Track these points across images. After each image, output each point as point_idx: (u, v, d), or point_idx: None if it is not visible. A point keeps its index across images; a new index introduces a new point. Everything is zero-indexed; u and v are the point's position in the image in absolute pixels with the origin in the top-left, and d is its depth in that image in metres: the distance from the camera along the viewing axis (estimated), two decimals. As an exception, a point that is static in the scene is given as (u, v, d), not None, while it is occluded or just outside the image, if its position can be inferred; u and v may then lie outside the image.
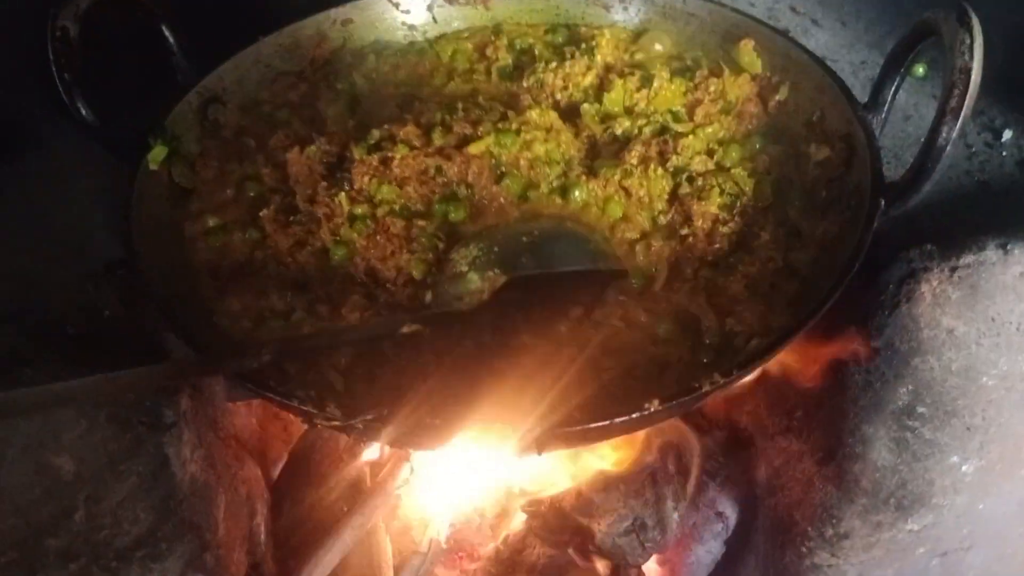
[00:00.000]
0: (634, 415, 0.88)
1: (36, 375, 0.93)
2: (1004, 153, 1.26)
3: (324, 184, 1.10)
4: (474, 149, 1.10)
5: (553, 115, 1.17)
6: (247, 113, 1.26)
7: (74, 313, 1.04)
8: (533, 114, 1.15)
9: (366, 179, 1.09)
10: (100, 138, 1.13)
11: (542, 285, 1.01)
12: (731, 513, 1.43)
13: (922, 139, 0.96)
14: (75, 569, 0.97)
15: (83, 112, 1.10)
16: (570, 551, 1.41)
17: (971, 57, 0.91)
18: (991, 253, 1.06)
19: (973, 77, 0.91)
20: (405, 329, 0.93)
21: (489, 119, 1.15)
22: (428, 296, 1.03)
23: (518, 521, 1.46)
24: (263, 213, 1.10)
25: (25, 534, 0.93)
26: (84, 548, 0.96)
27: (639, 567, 1.42)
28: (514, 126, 1.13)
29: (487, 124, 1.13)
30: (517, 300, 0.99)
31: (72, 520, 0.94)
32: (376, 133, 1.13)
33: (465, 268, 1.01)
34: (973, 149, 1.27)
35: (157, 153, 1.14)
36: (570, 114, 1.21)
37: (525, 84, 1.25)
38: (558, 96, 1.24)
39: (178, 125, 1.19)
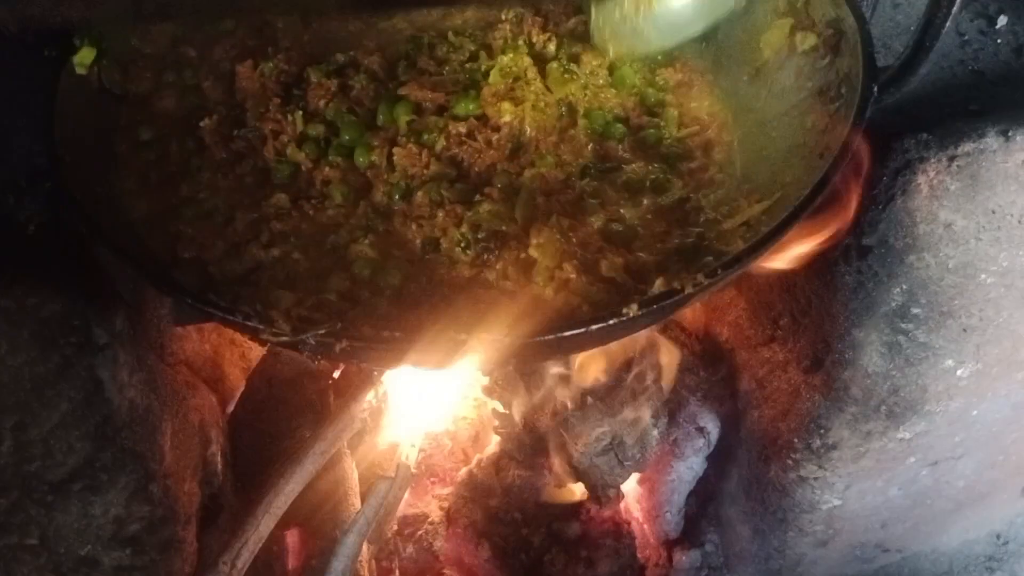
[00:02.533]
0: (611, 321, 0.81)
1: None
2: (999, 40, 1.19)
3: (277, 101, 1.02)
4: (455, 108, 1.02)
5: (527, 62, 1.06)
6: (183, 17, 1.15)
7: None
8: (505, 59, 1.05)
9: (321, 102, 1.03)
10: (19, 36, 1.02)
11: None
12: (713, 428, 1.37)
13: (912, 28, 0.90)
14: (6, 504, 0.89)
15: (-2, 8, 1.00)
16: (546, 472, 1.36)
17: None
18: (991, 140, 0.98)
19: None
20: None
21: (457, 59, 1.07)
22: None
23: (492, 444, 1.40)
24: (204, 123, 1.02)
25: (-56, 467, 0.85)
26: (14, 481, 0.89)
27: (618, 487, 1.37)
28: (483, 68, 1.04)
29: (453, 64, 1.06)
30: None
31: (-2, 451, 0.86)
32: (340, 57, 1.07)
33: None
34: (966, 37, 1.19)
35: (84, 55, 1.03)
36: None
37: (503, 16, 1.14)
38: (535, 40, 1.12)
39: (107, 24, 1.07)
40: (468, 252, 0.91)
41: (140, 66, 1.09)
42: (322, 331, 0.81)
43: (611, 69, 1.07)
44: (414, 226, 0.93)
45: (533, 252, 0.90)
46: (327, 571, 1.13)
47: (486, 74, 1.05)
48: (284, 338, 0.81)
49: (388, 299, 0.90)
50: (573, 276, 0.89)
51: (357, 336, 0.82)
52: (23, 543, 0.92)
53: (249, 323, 0.81)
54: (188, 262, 0.91)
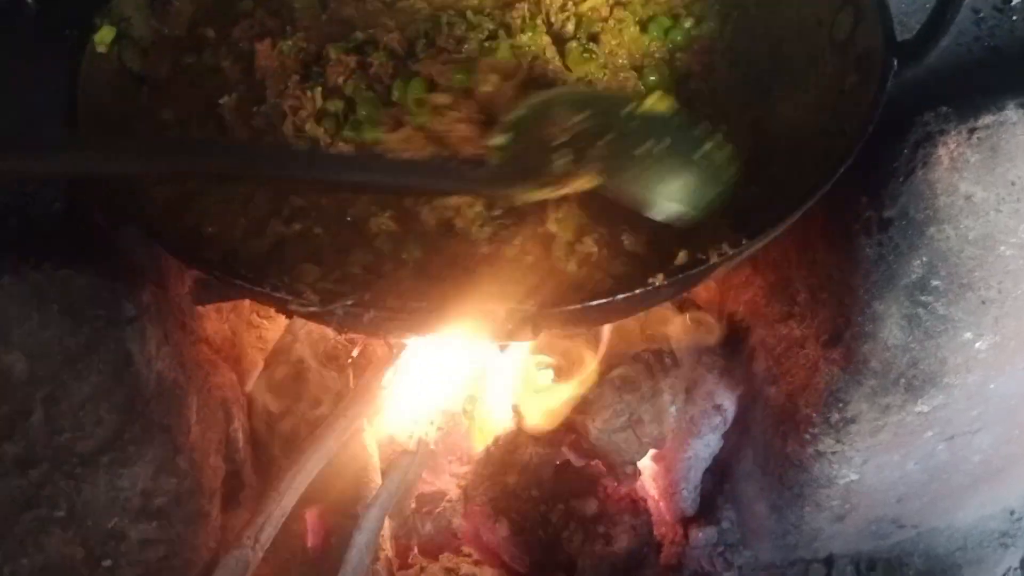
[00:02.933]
0: (637, 291, 0.81)
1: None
2: (1015, 17, 1.19)
3: (296, 78, 1.02)
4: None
5: (546, 40, 1.06)
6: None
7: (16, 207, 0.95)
8: (524, 38, 1.05)
9: (340, 79, 1.02)
10: (38, 18, 1.03)
11: None
12: (729, 406, 1.38)
13: (928, 4, 0.91)
14: (36, 476, 0.90)
15: (18, -10, 1.01)
16: (564, 449, 1.36)
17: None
18: (1011, 113, 0.98)
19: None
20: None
21: (475, 37, 1.06)
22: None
23: (509, 421, 1.40)
24: (223, 100, 1.02)
25: (-24, 440, 0.86)
26: (45, 453, 0.89)
27: (635, 464, 1.38)
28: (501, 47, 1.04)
29: (473, 42, 1.05)
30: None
31: (29, 423, 0.87)
32: (360, 35, 1.06)
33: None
34: (981, 15, 1.19)
35: (105, 34, 1.04)
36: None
37: None
38: (554, 19, 1.11)
39: (126, 5, 1.07)
40: (485, 229, 0.91)
41: (160, 47, 1.10)
42: (349, 302, 0.82)
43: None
44: (426, 208, 0.93)
45: (552, 227, 0.91)
46: (350, 545, 1.14)
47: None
48: (313, 308, 0.82)
49: (411, 272, 0.90)
50: (595, 250, 0.89)
51: (384, 306, 0.82)
52: (52, 516, 0.93)
53: (277, 294, 0.82)
54: (212, 240, 0.91)
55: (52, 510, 0.93)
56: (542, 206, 0.91)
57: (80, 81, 0.99)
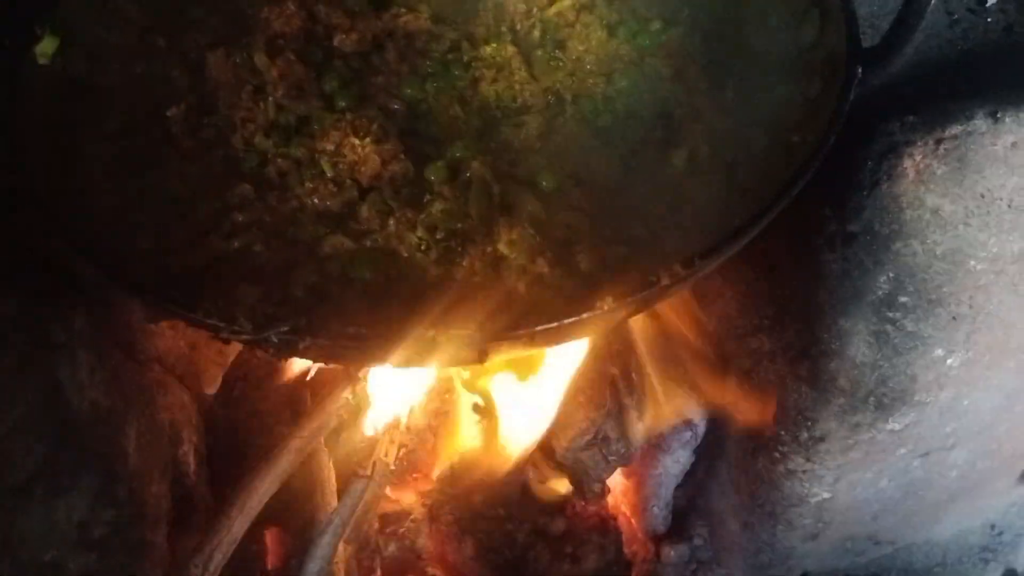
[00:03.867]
0: (584, 315, 0.78)
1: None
2: (989, 20, 1.16)
3: (250, 88, 0.99)
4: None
5: (512, 50, 1.03)
6: (152, 6, 1.12)
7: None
8: (488, 49, 1.03)
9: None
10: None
11: None
12: (699, 421, 1.35)
13: (897, 10, 0.88)
14: (-36, 508, 0.86)
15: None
16: (530, 468, 1.34)
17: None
18: (980, 122, 0.96)
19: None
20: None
21: (438, 48, 1.04)
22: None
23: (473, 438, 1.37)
24: (171, 112, 0.98)
25: (-102, 472, 0.82)
26: (-29, 485, 0.86)
27: (603, 481, 1.35)
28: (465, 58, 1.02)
29: (435, 54, 1.03)
30: None
31: (-48, 456, 0.83)
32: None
33: None
34: (955, 16, 1.17)
35: (47, 45, 1.00)
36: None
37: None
38: (519, 26, 1.08)
39: (72, 14, 1.04)
40: (430, 254, 0.88)
41: (107, 56, 1.06)
42: (285, 328, 0.78)
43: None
44: (368, 240, 0.89)
45: (503, 248, 0.87)
46: (301, 573, 1.10)
47: (467, 65, 1.02)
48: (246, 336, 0.79)
49: (357, 293, 0.86)
50: (546, 270, 0.86)
51: (321, 334, 0.79)
52: (-15, 549, 0.90)
53: (209, 320, 0.79)
54: (147, 254, 0.88)
55: (-16, 543, 0.89)
56: (490, 227, 0.87)
57: (18, 91, 0.96)
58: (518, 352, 0.95)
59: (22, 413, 0.85)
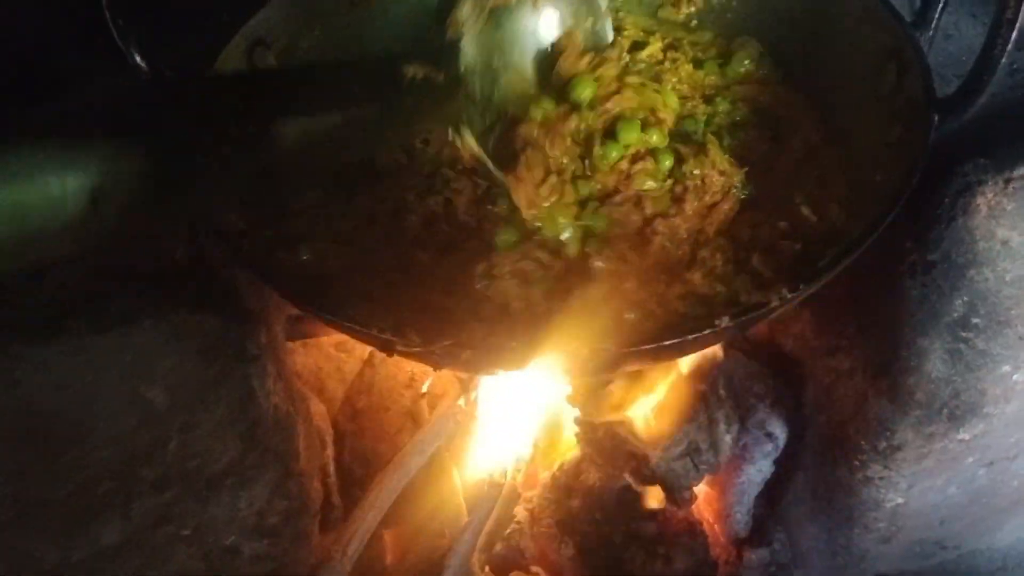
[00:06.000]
0: (706, 331, 0.89)
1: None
2: (1044, 70, 1.27)
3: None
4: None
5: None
6: (288, 58, 1.24)
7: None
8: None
9: None
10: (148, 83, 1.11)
11: None
12: (780, 433, 1.46)
13: (964, 58, 0.97)
14: (169, 497, 1.01)
15: (136, 58, 1.07)
16: (626, 475, 1.45)
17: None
18: (1043, 164, 1.07)
19: (1027, -14, 0.92)
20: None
21: None
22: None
23: (573, 448, 1.50)
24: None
25: (121, 464, 0.96)
26: (177, 477, 1.00)
27: (692, 489, 1.46)
28: None
29: None
30: None
31: (166, 450, 0.98)
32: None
33: None
34: (1015, 66, 1.28)
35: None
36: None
37: None
38: None
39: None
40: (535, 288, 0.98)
41: None
42: (448, 342, 0.91)
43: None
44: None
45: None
46: (444, 568, 1.23)
47: None
48: (416, 349, 0.92)
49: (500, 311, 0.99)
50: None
51: (481, 346, 0.92)
52: (179, 533, 1.04)
53: (383, 336, 0.92)
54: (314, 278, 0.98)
55: (180, 528, 1.03)
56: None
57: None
58: (642, 365, 1.07)
59: (224, 414, 1.00)
